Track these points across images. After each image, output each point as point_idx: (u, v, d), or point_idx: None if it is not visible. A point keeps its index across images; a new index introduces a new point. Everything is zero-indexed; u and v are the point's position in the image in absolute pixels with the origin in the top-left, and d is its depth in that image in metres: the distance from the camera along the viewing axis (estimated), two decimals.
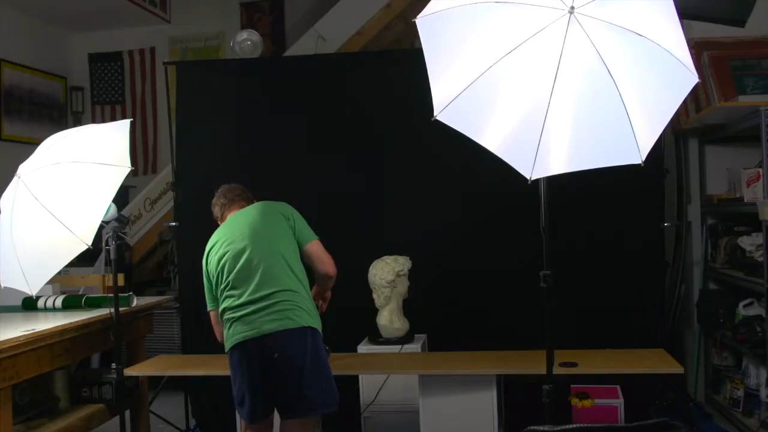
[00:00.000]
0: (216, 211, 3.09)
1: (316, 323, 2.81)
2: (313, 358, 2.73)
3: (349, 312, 3.64)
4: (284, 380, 2.70)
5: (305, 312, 2.77)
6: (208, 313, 2.99)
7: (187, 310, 4.18)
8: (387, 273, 3.69)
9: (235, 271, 2.78)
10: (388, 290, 3.71)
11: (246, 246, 2.80)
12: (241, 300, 2.75)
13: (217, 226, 3.06)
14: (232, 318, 2.76)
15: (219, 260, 2.84)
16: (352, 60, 4.53)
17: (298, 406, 2.72)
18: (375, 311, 3.78)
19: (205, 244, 2.97)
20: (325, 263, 2.93)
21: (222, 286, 2.83)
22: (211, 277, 2.90)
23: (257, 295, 2.73)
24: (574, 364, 3.02)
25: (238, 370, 2.76)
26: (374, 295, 3.75)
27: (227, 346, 2.79)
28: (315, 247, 2.92)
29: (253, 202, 3.08)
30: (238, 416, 3.39)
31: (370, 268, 3.75)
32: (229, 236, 2.87)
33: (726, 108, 3.87)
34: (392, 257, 3.74)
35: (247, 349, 2.72)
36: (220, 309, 2.84)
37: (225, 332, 2.81)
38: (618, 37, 1.98)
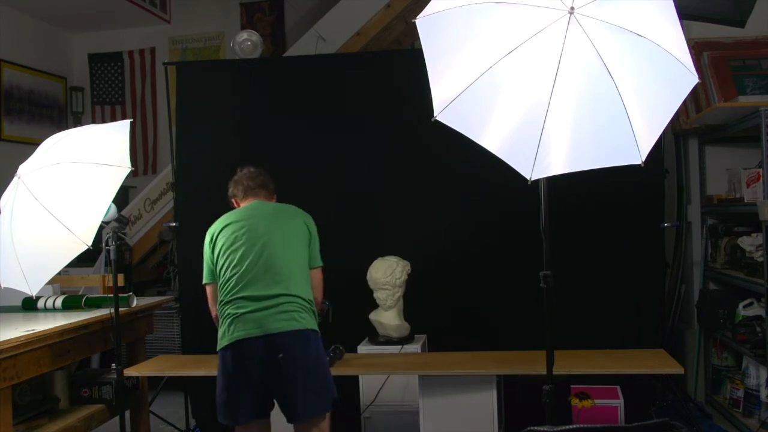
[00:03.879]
0: (235, 190, 3.03)
1: (317, 326, 2.82)
2: (315, 359, 2.74)
3: (349, 312, 3.65)
4: (283, 381, 2.69)
5: (308, 315, 2.77)
6: (204, 286, 2.92)
7: (187, 310, 4.18)
8: (401, 273, 3.70)
9: (244, 268, 2.74)
10: (400, 290, 3.72)
11: (261, 245, 2.77)
12: (246, 298, 2.71)
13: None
14: (234, 315, 2.71)
15: (228, 248, 2.79)
16: (352, 60, 4.53)
17: (297, 409, 2.72)
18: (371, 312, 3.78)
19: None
20: (319, 291, 2.96)
21: (226, 277, 2.77)
22: (214, 259, 2.84)
23: (265, 293, 2.70)
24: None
25: (231, 368, 2.69)
26: (382, 295, 3.72)
27: (223, 343, 2.72)
28: (318, 273, 2.95)
29: (272, 195, 3.08)
30: None
31: (377, 268, 3.73)
32: (246, 228, 2.82)
33: (726, 108, 3.88)
34: (393, 257, 3.74)
35: (248, 346, 2.67)
36: (219, 303, 2.79)
37: (222, 328, 2.75)
38: (618, 38, 1.98)
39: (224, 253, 2.81)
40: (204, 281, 2.91)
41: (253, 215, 2.89)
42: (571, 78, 2.00)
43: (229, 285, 2.76)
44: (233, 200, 3.05)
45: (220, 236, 2.85)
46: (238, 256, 2.76)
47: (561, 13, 1.99)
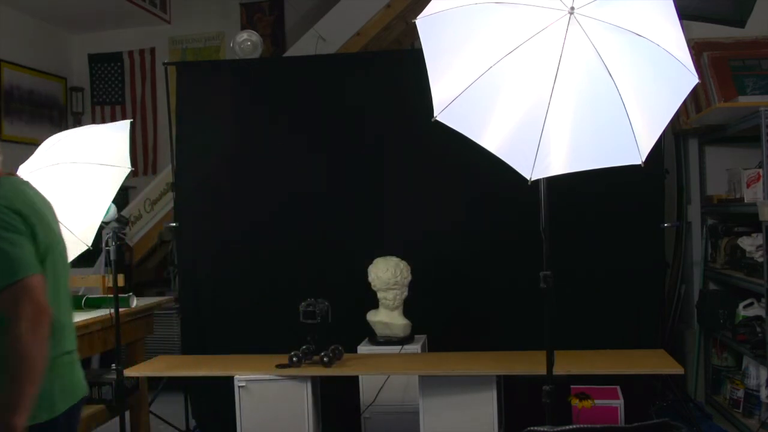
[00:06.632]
0: None
1: None
2: None
3: (349, 312, 3.65)
4: None
5: None
6: (27, 278, 1.62)
7: (187, 310, 4.18)
8: (407, 272, 3.70)
9: (66, 301, 1.88)
10: (406, 289, 3.72)
11: (64, 265, 1.91)
12: (73, 337, 1.90)
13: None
14: (73, 359, 1.87)
15: (52, 255, 1.79)
16: (352, 60, 4.53)
17: None
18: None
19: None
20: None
21: (59, 307, 1.79)
22: (39, 250, 1.72)
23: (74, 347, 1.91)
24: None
25: None
26: (390, 295, 3.69)
27: (65, 403, 1.78)
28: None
29: None
30: (238, 417, 3.37)
31: (383, 269, 3.70)
32: (54, 228, 1.89)
33: (726, 108, 3.87)
34: (393, 258, 3.74)
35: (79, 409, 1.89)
36: (56, 341, 1.75)
37: (60, 380, 1.78)
38: (618, 38, 1.98)
39: (49, 258, 1.77)
40: (32, 272, 1.65)
41: (44, 206, 1.87)
42: (571, 78, 2.00)
43: (65, 323, 1.85)
44: None
45: (34, 222, 1.73)
46: (60, 280, 1.84)
47: (561, 14, 1.99)
